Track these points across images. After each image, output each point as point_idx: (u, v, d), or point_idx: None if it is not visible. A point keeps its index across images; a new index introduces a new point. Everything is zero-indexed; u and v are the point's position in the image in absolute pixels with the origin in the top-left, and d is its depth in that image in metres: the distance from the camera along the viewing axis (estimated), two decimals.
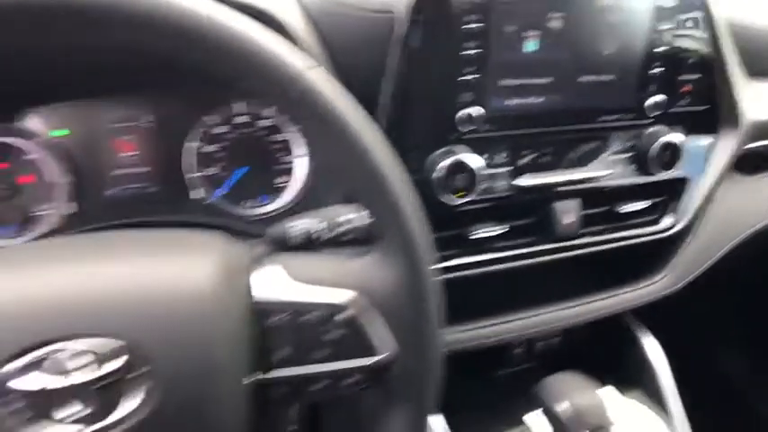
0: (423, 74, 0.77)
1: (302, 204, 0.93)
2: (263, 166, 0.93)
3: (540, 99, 0.85)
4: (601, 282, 1.06)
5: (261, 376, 0.51)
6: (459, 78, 0.78)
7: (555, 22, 0.83)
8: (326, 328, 0.52)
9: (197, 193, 0.91)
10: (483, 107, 0.81)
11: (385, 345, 0.53)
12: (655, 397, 1.06)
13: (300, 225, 0.64)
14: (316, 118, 0.50)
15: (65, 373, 0.44)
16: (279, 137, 0.93)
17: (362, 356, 0.53)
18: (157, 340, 0.45)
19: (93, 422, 0.44)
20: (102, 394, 0.44)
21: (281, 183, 0.94)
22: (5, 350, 0.43)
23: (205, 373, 0.47)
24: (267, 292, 0.52)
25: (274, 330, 0.51)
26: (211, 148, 0.91)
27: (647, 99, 0.93)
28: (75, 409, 0.44)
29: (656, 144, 0.94)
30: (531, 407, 0.96)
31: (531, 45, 0.83)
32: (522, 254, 0.91)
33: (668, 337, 1.12)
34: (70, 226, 0.87)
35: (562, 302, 1.03)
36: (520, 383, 1.03)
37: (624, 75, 0.90)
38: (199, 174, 0.91)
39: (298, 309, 0.52)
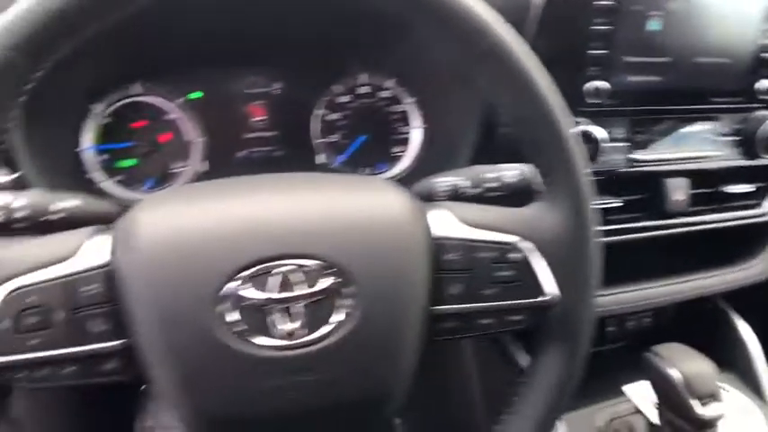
0: (556, 47, 0.80)
1: (415, 173, 0.97)
2: (382, 135, 0.97)
3: (659, 77, 0.88)
4: (696, 263, 1.08)
5: (435, 309, 0.55)
6: (589, 52, 0.81)
7: (677, 4, 0.86)
8: (498, 267, 0.55)
9: (320, 158, 0.95)
10: (608, 81, 0.84)
11: (550, 287, 0.56)
12: (749, 382, 1.07)
13: (446, 181, 0.67)
14: (502, 70, 0.53)
15: (282, 288, 0.48)
16: (397, 108, 0.97)
17: (529, 296, 0.56)
18: (362, 264, 0.49)
19: (304, 335, 0.48)
20: (314, 310, 0.48)
21: (398, 152, 0.97)
22: (231, 266, 0.47)
23: (398, 299, 0.50)
24: (443, 229, 0.55)
25: (449, 267, 0.55)
26: (335, 116, 0.96)
27: (757, 82, 0.95)
28: (290, 320, 0.48)
29: (764, 127, 0.95)
30: (628, 380, 0.99)
31: (654, 24, 0.85)
32: (634, 227, 0.94)
33: (760, 324, 1.13)
34: None
35: (656, 281, 1.05)
36: (614, 360, 1.05)
37: (737, 58, 0.93)
38: (323, 140, 0.95)
39: (472, 247, 0.55)
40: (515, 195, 0.64)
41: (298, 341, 0.48)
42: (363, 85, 0.96)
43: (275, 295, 0.48)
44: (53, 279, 0.48)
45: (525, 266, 0.56)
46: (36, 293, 0.47)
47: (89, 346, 0.48)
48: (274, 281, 0.48)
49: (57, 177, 0.79)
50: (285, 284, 0.48)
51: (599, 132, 0.83)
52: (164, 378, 0.49)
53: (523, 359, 0.98)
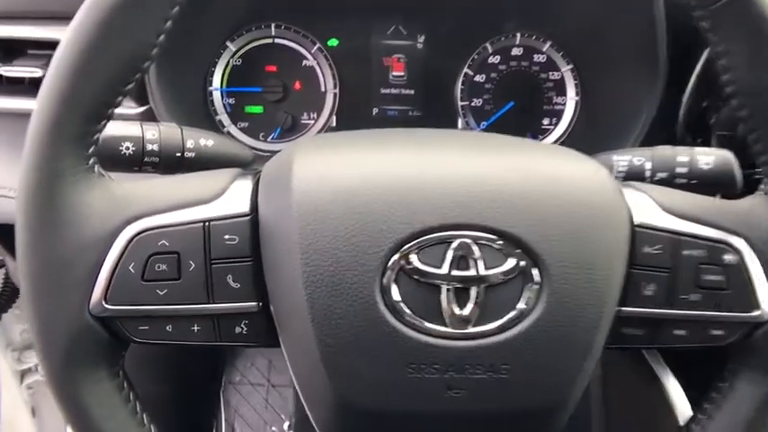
0: None
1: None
2: (531, 103, 0.87)
3: None
4: None
5: (623, 310, 0.45)
6: None
7: None
8: (706, 269, 0.45)
9: (462, 123, 0.87)
10: None
11: (766, 300, 0.46)
12: None
13: (624, 159, 0.57)
14: (745, 25, 0.42)
15: (459, 265, 0.40)
16: (552, 75, 0.87)
17: (739, 309, 0.46)
18: (555, 247, 0.40)
19: (480, 323, 0.40)
20: (494, 295, 0.40)
21: (547, 124, 0.88)
22: (404, 231, 0.39)
23: (589, 293, 0.42)
24: (645, 216, 0.45)
25: (647, 262, 0.45)
26: (482, 78, 0.86)
27: None
28: (465, 304, 0.40)
29: None
30: None
31: None
32: None
33: None
34: None
35: None
36: None
37: None
38: (467, 103, 0.87)
39: (678, 241, 0.45)
40: (707, 186, 0.54)
41: (471, 330, 0.40)
42: (517, 46, 0.86)
43: (450, 272, 0.40)
44: (191, 222, 0.42)
45: (740, 272, 0.45)
46: (169, 237, 0.41)
47: (220, 305, 0.42)
48: (451, 255, 0.40)
49: (183, 117, 0.74)
50: (463, 261, 0.40)
51: None
52: (302, 353, 0.42)
53: (668, 379, 0.85)
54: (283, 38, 0.84)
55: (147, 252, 0.41)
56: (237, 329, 0.43)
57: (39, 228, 0.40)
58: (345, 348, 0.40)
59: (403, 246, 0.39)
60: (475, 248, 0.40)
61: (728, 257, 0.45)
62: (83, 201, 0.40)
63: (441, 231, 0.39)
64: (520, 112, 0.87)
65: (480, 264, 0.40)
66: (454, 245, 0.39)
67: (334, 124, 0.87)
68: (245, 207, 0.43)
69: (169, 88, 0.72)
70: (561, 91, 0.87)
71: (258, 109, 0.85)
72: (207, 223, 0.42)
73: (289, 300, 0.41)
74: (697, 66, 0.72)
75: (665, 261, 0.45)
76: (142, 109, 0.72)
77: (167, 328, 0.42)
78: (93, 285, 0.41)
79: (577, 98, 0.87)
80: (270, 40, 0.84)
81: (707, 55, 0.70)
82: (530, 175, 0.42)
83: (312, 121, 0.86)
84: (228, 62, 0.84)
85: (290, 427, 1.40)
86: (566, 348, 0.42)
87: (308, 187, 0.40)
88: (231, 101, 0.85)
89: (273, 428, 1.40)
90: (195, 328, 0.43)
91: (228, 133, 0.85)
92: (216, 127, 0.84)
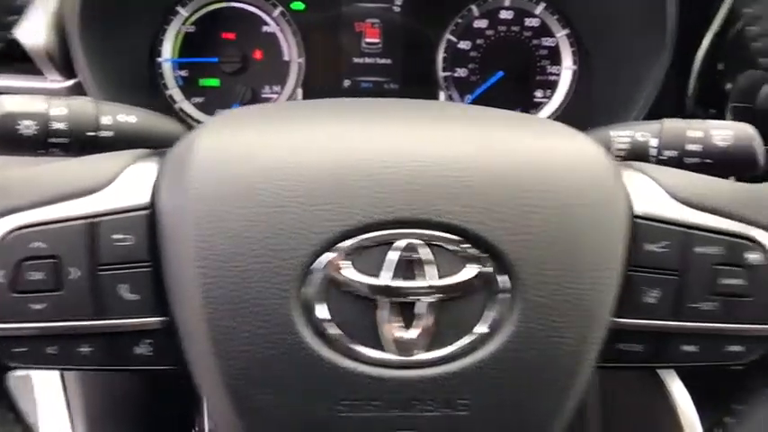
0: None
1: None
2: (523, 73, 0.79)
3: None
4: None
5: (619, 322, 0.37)
6: None
7: None
8: (723, 271, 0.37)
9: (444, 96, 0.78)
10: None
11: None
12: None
13: (625, 135, 0.49)
14: None
15: (403, 273, 0.32)
16: (546, 41, 0.78)
17: (763, 320, 0.38)
18: (531, 249, 0.33)
19: (431, 348, 0.32)
20: (449, 311, 0.32)
21: (541, 97, 0.79)
22: (328, 229, 0.31)
23: (575, 305, 0.34)
24: (648, 205, 0.37)
25: (650, 263, 0.37)
26: (467, 45, 0.78)
27: None
28: (410, 324, 0.32)
29: None
30: None
31: None
32: None
33: None
34: None
35: None
36: None
37: None
38: (449, 74, 0.78)
39: (692, 237, 0.37)
40: (723, 166, 0.45)
41: (418, 357, 0.33)
42: (506, 9, 0.77)
43: (392, 283, 0.32)
44: (71, 219, 0.34)
45: (764, 274, 0.37)
46: (46, 237, 0.34)
47: (114, 321, 0.35)
48: (392, 260, 0.32)
49: (123, 92, 0.66)
50: (408, 268, 0.32)
51: None
52: (209, 385, 0.33)
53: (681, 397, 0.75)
54: (241, 1, 0.76)
55: (18, 256, 0.34)
56: (138, 350, 0.36)
57: None
58: (257, 381, 0.32)
59: (330, 248, 0.31)
60: (425, 251, 0.31)
61: (751, 256, 0.38)
62: None
63: (379, 229, 0.31)
64: (510, 83, 0.79)
65: (431, 271, 0.31)
66: (396, 247, 0.31)
67: (299, 98, 0.78)
68: (143, 198, 0.35)
69: (103, 58, 0.64)
70: (556, 59, 0.79)
71: (214, 82, 0.77)
72: (91, 219, 0.34)
73: (189, 318, 0.32)
74: (714, 23, 0.63)
75: (672, 261, 0.37)
76: (70, 83, 0.63)
77: (49, 350, 0.35)
78: None
79: (575, 67, 0.78)
80: (226, 4, 0.76)
81: (727, 9, 0.61)
82: (501, 154, 0.33)
83: (275, 95, 0.78)
84: (180, 29, 0.75)
85: None
86: (542, 377, 0.34)
87: (206, 174, 0.32)
88: (184, 73, 0.77)
89: None
90: (84, 349, 0.36)
91: (181, 110, 0.77)
92: (166, 103, 0.76)
